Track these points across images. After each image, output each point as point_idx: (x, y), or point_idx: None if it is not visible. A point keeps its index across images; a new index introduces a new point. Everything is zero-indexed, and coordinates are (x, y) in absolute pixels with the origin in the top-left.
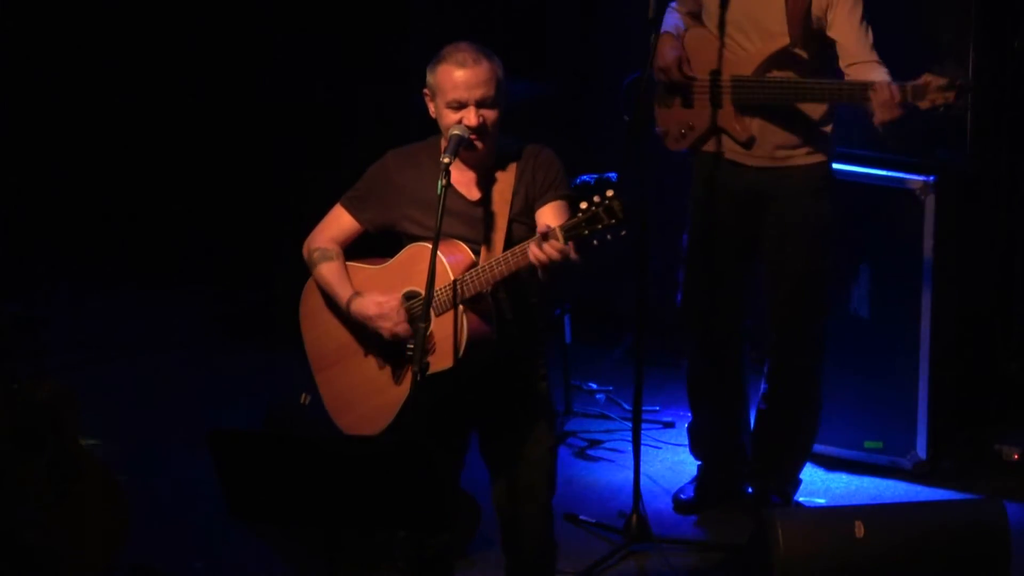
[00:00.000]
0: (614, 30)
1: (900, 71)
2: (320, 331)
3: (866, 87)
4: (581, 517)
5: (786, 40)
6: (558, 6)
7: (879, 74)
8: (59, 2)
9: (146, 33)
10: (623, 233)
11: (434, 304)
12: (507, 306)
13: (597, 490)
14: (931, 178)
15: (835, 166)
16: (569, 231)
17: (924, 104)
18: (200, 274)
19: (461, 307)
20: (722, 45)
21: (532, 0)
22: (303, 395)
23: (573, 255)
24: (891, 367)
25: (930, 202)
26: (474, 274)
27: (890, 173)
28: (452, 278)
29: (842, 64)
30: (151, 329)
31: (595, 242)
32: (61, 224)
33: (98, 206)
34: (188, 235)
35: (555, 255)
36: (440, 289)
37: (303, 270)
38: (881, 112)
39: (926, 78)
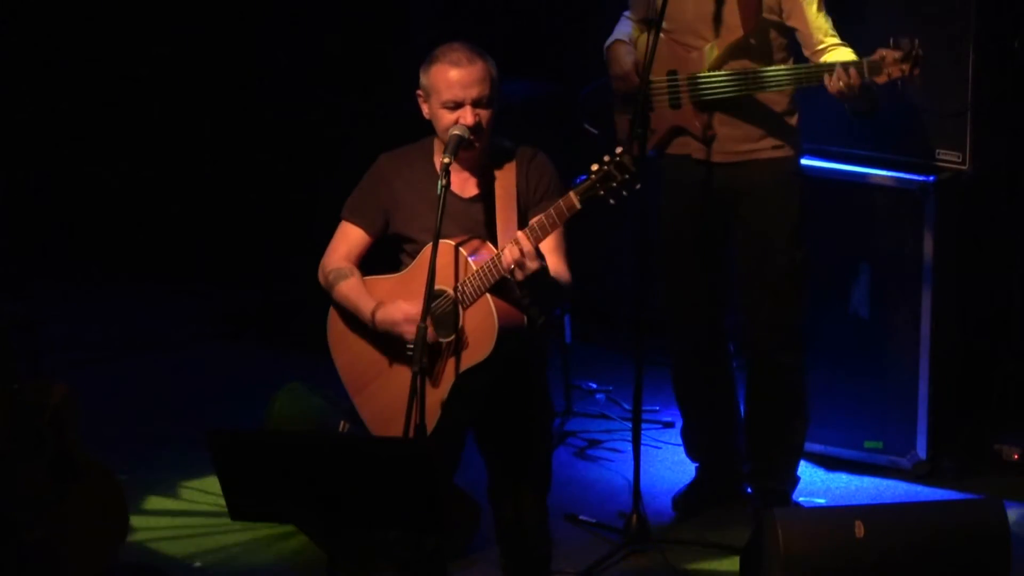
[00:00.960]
0: (612, 29)
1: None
2: (351, 354)
3: (821, 69)
4: (581, 517)
5: (739, 32)
6: (556, 6)
7: (841, 55)
8: (59, 1)
9: (147, 31)
10: (637, 187)
11: (461, 297)
12: (529, 294)
13: (597, 490)
14: (931, 178)
15: (835, 166)
16: (584, 193)
17: (881, 79)
18: (200, 273)
19: (489, 297)
20: (694, 46)
21: (530, 0)
22: (342, 423)
23: (534, 262)
24: (891, 367)
25: (930, 202)
26: (491, 262)
27: (890, 173)
28: (474, 268)
29: (805, 53)
30: (151, 329)
31: (611, 201)
32: (61, 224)
33: (98, 205)
34: (188, 234)
35: (520, 257)
36: (463, 282)
37: (307, 269)
38: (839, 94)
39: (880, 52)
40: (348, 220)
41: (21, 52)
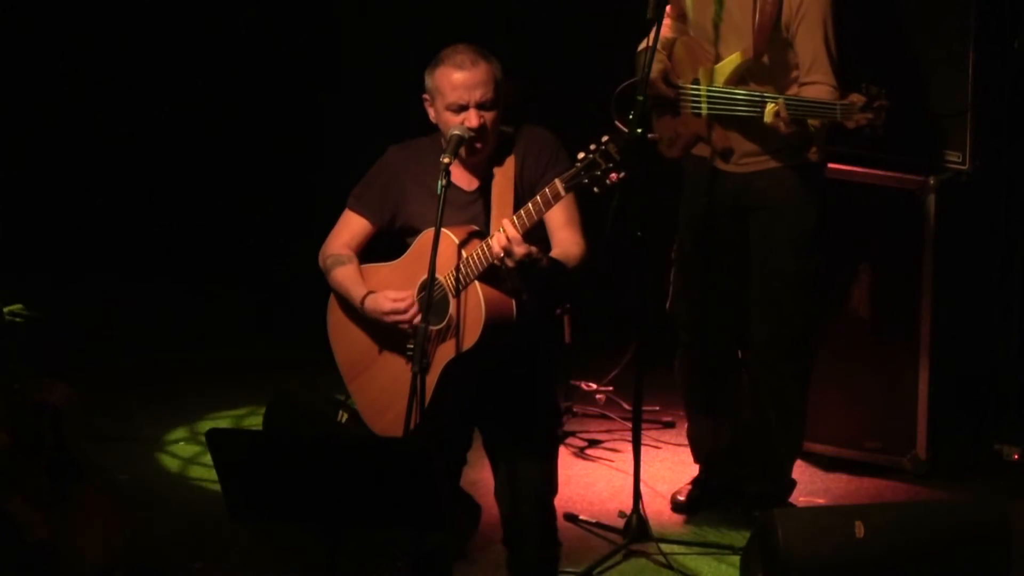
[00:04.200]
0: (608, 28)
1: (899, 71)
2: (347, 341)
3: (832, 108)
4: (581, 517)
5: (749, 53)
6: (551, 5)
7: (813, 93)
8: (55, 2)
9: (146, 31)
10: (622, 175)
11: (452, 284)
12: (523, 285)
13: (597, 490)
14: (931, 178)
15: (835, 166)
16: (569, 181)
17: (850, 124)
18: (201, 273)
19: (479, 285)
20: (716, 54)
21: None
22: (340, 413)
23: (521, 247)
24: (891, 367)
25: (930, 202)
26: (482, 248)
27: (890, 173)
28: (465, 255)
29: (798, 77)
30: (151, 328)
31: (596, 190)
32: (61, 222)
33: (98, 204)
34: (190, 234)
35: (507, 243)
36: (454, 269)
37: (308, 269)
38: (772, 127)
39: (851, 97)
40: (353, 209)
41: (19, 50)
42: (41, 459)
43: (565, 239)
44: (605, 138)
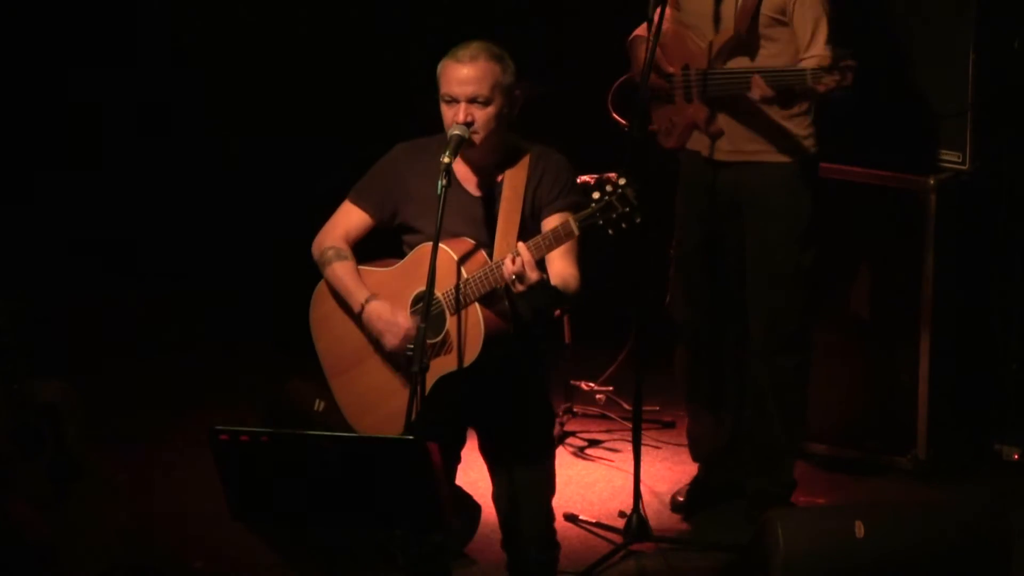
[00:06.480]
0: (606, 25)
1: (899, 70)
2: (334, 335)
3: (802, 74)
4: (581, 517)
5: (730, 32)
6: (550, 3)
7: (808, 67)
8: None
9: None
10: (637, 220)
11: (449, 303)
12: (523, 305)
13: (597, 490)
14: (931, 178)
15: (835, 166)
16: (583, 221)
17: (820, 88)
18: (201, 273)
19: (477, 305)
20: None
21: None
22: (317, 401)
23: (534, 273)
24: (891, 367)
25: (930, 202)
26: (487, 270)
27: (890, 173)
28: (466, 276)
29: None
30: (152, 328)
31: (610, 232)
32: (61, 221)
33: (100, 203)
34: (189, 233)
35: (520, 268)
36: (454, 288)
37: (307, 269)
38: (760, 100)
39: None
40: (354, 202)
41: (20, 46)
42: (41, 459)
43: (561, 270)
44: (622, 181)
